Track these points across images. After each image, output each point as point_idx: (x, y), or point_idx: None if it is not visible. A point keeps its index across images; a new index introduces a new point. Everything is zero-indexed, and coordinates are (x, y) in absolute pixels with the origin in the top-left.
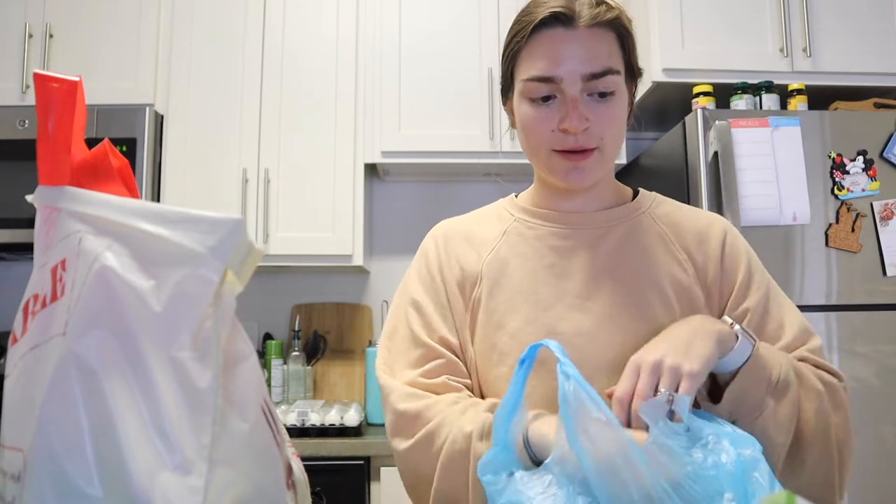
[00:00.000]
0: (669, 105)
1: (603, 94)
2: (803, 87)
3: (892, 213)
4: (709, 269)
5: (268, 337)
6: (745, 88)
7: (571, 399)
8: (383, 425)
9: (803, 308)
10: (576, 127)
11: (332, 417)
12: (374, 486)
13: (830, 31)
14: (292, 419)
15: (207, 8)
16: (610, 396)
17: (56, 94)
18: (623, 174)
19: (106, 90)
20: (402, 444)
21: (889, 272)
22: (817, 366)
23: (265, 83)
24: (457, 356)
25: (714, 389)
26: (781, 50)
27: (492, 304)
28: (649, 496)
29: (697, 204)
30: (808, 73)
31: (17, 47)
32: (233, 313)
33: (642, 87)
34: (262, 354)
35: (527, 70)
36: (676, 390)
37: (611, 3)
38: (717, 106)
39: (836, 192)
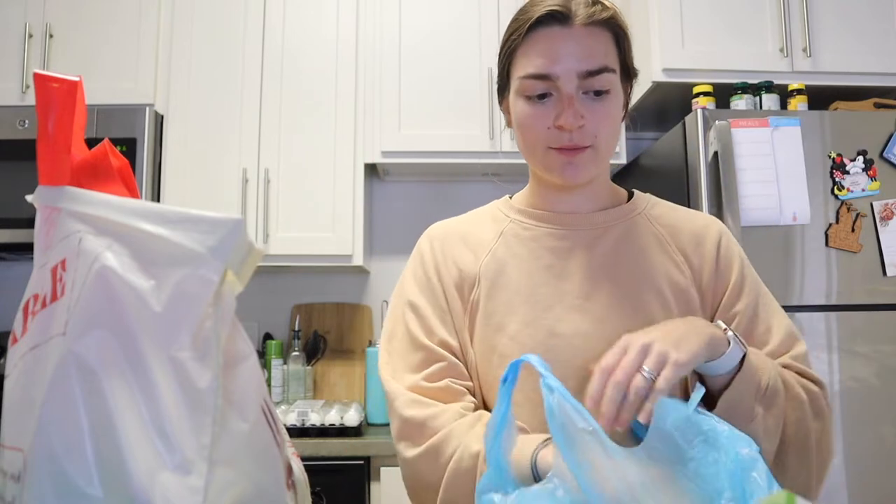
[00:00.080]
0: (669, 105)
1: (598, 93)
2: (803, 87)
3: (892, 213)
4: (704, 271)
5: (268, 337)
6: (745, 88)
7: (557, 412)
8: (383, 425)
9: (803, 308)
10: (571, 124)
11: (332, 417)
12: (374, 486)
13: (830, 31)
14: (292, 419)
15: (207, 8)
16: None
17: (56, 94)
18: (623, 174)
19: (106, 90)
20: (407, 452)
21: (889, 272)
22: (800, 373)
23: (265, 83)
24: (457, 358)
25: (706, 398)
26: (781, 50)
27: (490, 305)
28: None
29: (698, 204)
30: (808, 73)
31: (17, 47)
32: (233, 313)
33: (642, 88)
34: (262, 354)
35: (523, 68)
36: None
37: (606, 3)
38: (717, 106)
39: (836, 192)
